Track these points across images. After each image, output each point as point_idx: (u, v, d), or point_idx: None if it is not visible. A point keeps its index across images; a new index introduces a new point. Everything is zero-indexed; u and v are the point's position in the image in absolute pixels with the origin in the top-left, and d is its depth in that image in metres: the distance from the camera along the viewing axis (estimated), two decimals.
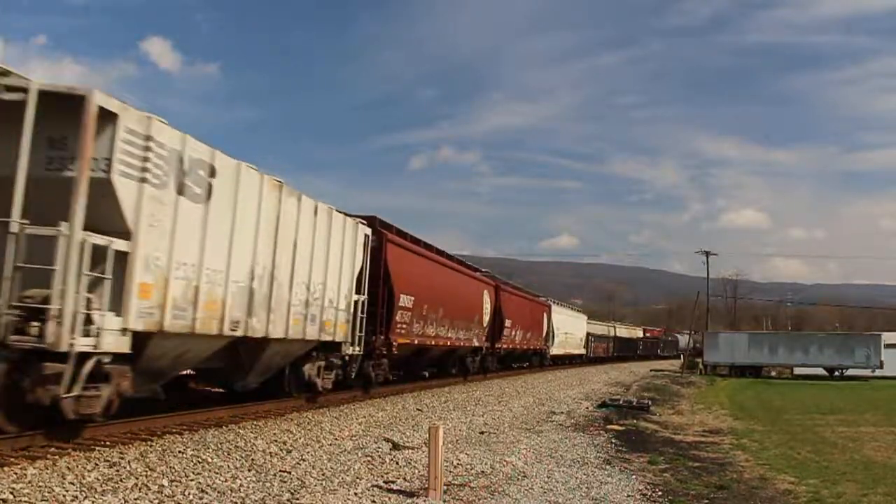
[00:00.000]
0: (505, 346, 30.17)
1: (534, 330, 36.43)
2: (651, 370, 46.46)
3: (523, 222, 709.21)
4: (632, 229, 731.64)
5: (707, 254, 67.03)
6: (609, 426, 14.86)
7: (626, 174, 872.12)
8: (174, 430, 10.26)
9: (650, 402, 20.46)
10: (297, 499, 7.15)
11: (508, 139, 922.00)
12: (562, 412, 17.23)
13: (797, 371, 47.59)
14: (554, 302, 44.19)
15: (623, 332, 74.48)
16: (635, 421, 16.21)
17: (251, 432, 10.79)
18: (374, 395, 17.31)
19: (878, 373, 43.68)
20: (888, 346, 45.47)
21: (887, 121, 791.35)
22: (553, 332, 41.00)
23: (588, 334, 53.86)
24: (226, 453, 9.04)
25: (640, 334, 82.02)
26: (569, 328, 46.37)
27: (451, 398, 19.17)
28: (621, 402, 19.49)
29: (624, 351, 68.05)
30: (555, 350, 41.70)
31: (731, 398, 27.24)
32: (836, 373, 45.62)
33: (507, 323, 29.89)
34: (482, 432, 12.88)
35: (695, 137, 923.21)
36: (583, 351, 51.59)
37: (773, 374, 48.51)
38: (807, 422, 18.53)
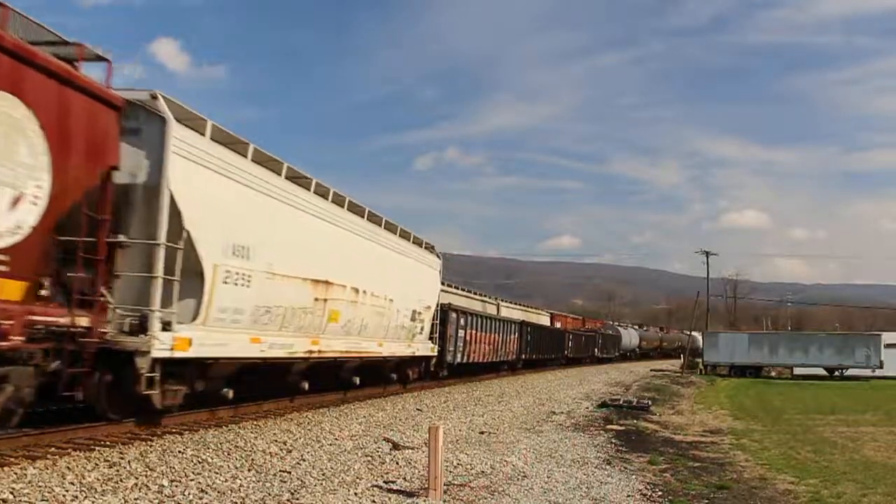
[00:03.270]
0: None
1: None
2: (651, 370, 46.44)
3: (525, 222, 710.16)
4: (633, 229, 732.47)
5: (707, 254, 67.20)
6: (609, 426, 14.85)
7: (627, 174, 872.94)
8: (174, 430, 10.28)
9: (650, 402, 20.47)
10: (297, 499, 7.15)
11: (509, 139, 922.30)
12: (562, 412, 17.24)
13: (797, 371, 47.50)
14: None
15: (514, 313, 39.09)
16: (635, 421, 16.21)
17: (251, 432, 10.80)
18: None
19: (878, 373, 43.59)
20: (888, 346, 45.38)
21: (887, 121, 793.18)
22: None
23: (452, 310, 23.67)
24: (226, 453, 9.05)
25: (548, 322, 50.03)
26: (332, 270, 13.65)
27: (451, 398, 19.20)
28: (621, 402, 19.50)
29: (544, 350, 38.65)
30: (207, 347, 10.12)
31: (731, 398, 27.24)
32: (837, 373, 45.58)
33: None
34: (482, 432, 12.89)
35: (696, 137, 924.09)
36: (424, 349, 20.33)
37: (774, 374, 48.47)
38: (807, 422, 18.52)
